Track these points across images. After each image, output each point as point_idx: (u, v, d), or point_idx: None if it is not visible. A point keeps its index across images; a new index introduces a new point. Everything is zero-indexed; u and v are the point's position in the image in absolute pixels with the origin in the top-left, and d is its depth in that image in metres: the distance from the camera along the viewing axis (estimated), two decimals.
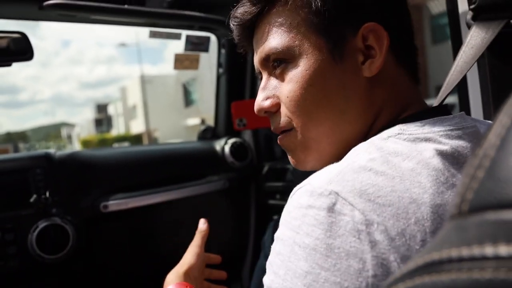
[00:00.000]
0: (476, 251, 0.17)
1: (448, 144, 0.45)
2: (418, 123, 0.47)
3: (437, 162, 0.42)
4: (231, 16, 0.57)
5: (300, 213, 0.42)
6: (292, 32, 0.51)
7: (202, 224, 0.90)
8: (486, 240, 0.17)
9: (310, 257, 0.39)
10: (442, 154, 0.43)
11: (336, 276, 0.38)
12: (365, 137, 0.52)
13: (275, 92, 0.55)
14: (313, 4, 0.50)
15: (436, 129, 0.46)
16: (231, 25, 0.58)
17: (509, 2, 0.62)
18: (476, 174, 0.19)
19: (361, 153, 0.45)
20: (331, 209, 0.40)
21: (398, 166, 0.42)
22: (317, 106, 0.51)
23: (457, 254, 0.18)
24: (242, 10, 0.55)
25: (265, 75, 0.57)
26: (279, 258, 0.42)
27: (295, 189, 0.46)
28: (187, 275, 0.78)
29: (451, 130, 0.46)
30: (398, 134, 0.46)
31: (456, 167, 0.43)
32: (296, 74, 0.52)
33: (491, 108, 0.74)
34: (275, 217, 1.46)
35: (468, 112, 0.84)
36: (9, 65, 1.10)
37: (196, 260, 0.83)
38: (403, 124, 0.48)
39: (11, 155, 1.27)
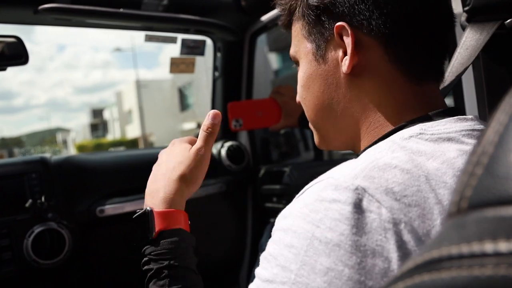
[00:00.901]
0: (476, 248, 0.17)
1: (471, 144, 0.44)
2: (439, 122, 0.47)
3: (461, 162, 0.42)
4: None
5: (322, 206, 0.40)
6: (295, 40, 0.59)
7: (212, 117, 0.68)
8: (486, 236, 0.17)
9: (333, 253, 0.37)
10: (466, 154, 0.43)
11: (361, 274, 0.37)
12: (365, 129, 0.54)
13: None
14: (302, 13, 0.55)
15: (457, 128, 0.46)
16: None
17: (503, 4, 0.62)
18: (475, 171, 0.19)
19: (383, 151, 0.44)
20: (357, 204, 0.38)
21: (423, 165, 0.41)
22: (310, 102, 0.58)
23: (457, 252, 0.18)
24: (280, 20, 0.63)
25: None
26: (291, 251, 0.40)
27: (312, 182, 0.44)
28: (182, 181, 0.64)
29: (472, 130, 0.46)
30: (420, 134, 0.45)
31: None
32: (299, 76, 0.60)
33: (486, 109, 0.75)
34: (272, 220, 1.46)
35: (463, 114, 0.84)
36: (4, 69, 1.09)
37: (194, 160, 0.66)
38: (423, 124, 0.47)
39: (6, 160, 1.27)
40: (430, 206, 0.39)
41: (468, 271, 0.17)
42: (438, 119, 0.48)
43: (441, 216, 0.38)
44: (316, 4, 0.53)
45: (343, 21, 0.51)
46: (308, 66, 0.56)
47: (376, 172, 0.40)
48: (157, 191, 0.65)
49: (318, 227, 0.39)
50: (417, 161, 0.42)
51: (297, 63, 0.61)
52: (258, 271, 0.44)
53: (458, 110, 0.53)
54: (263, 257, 0.44)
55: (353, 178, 0.40)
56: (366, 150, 0.48)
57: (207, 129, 0.67)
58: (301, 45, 0.58)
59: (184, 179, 0.65)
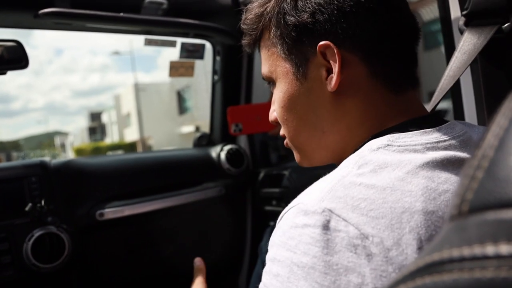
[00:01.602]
0: (477, 250, 0.17)
1: (436, 154, 0.45)
2: (406, 134, 0.48)
3: (426, 170, 0.43)
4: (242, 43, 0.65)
5: (296, 233, 0.42)
6: (269, 60, 0.58)
7: (198, 262, 0.85)
8: (487, 239, 0.17)
9: (309, 276, 0.39)
10: (430, 162, 0.44)
11: None
12: (345, 146, 0.55)
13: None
14: (278, 33, 0.54)
15: (423, 141, 0.47)
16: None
17: (501, 8, 0.63)
18: (476, 174, 0.19)
19: (350, 166, 0.46)
20: (326, 226, 0.40)
21: (387, 177, 0.43)
22: (292, 121, 0.58)
23: (458, 254, 0.18)
24: (244, 41, 0.62)
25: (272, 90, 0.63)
26: (278, 279, 0.42)
27: (286, 208, 0.46)
28: None
29: (437, 142, 0.47)
30: (388, 145, 0.47)
31: (446, 174, 0.44)
32: (276, 96, 0.59)
33: (485, 112, 0.75)
34: (272, 223, 1.46)
35: (462, 117, 0.84)
36: (4, 73, 1.09)
37: None
38: (391, 135, 0.49)
39: (6, 163, 1.27)
40: (397, 215, 0.40)
41: (469, 273, 0.17)
42: (407, 130, 0.49)
43: (409, 223, 0.39)
44: (295, 23, 0.52)
45: (325, 39, 0.51)
46: (289, 86, 0.56)
47: (342, 191, 0.42)
48: None
49: (295, 253, 0.41)
50: (381, 174, 0.43)
51: (271, 83, 0.60)
52: None
53: (433, 117, 0.54)
54: (260, 286, 0.46)
55: (320, 201, 0.42)
56: (337, 167, 0.49)
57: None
58: (277, 65, 0.57)
59: None
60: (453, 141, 0.48)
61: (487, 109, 0.74)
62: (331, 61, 0.51)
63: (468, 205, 0.19)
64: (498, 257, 0.17)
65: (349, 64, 0.51)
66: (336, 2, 0.50)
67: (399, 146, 0.46)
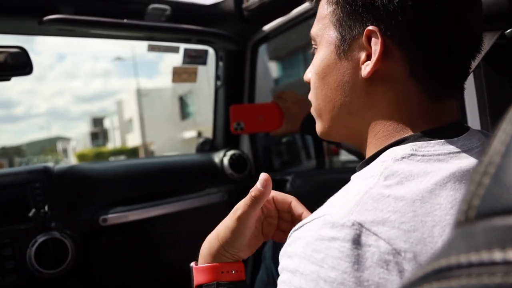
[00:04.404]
0: (485, 256, 0.17)
1: (460, 164, 0.45)
2: (428, 143, 0.47)
3: (452, 181, 0.42)
4: None
5: (322, 246, 0.40)
6: (320, 22, 0.56)
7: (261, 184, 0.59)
8: (494, 245, 0.17)
9: None
10: (456, 173, 0.43)
11: None
12: (369, 133, 0.53)
13: None
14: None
15: (446, 150, 0.46)
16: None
17: (504, 14, 0.63)
18: (482, 180, 0.19)
19: (375, 176, 0.44)
20: (356, 240, 0.39)
21: (416, 189, 0.41)
22: (322, 92, 0.56)
23: (466, 260, 0.18)
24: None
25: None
26: None
27: (308, 218, 0.44)
28: (222, 243, 0.61)
29: (459, 152, 0.46)
30: (411, 155, 0.45)
31: None
32: (314, 62, 0.57)
33: (488, 119, 0.75)
34: None
35: (465, 123, 0.84)
36: (8, 79, 1.10)
37: (235, 224, 0.59)
38: (414, 143, 0.47)
39: (10, 169, 1.27)
40: (429, 229, 0.39)
41: (477, 279, 0.17)
42: (428, 139, 0.48)
43: (442, 237, 0.39)
44: None
45: (376, 25, 0.48)
46: (328, 56, 0.54)
47: (371, 204, 0.41)
48: (203, 249, 0.64)
49: (322, 267, 0.39)
50: (409, 186, 0.42)
51: (315, 44, 0.58)
52: None
53: (456, 126, 0.52)
54: None
55: (348, 214, 0.40)
56: (358, 176, 0.47)
57: (253, 196, 0.58)
58: (325, 30, 0.54)
59: (224, 241, 0.60)
60: (472, 151, 0.47)
61: (490, 115, 0.74)
62: (373, 48, 0.49)
63: (475, 211, 0.19)
64: (506, 263, 0.17)
65: (391, 57, 0.49)
66: None
67: (423, 155, 0.45)
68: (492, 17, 0.64)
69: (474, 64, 0.54)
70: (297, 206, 0.63)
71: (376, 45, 0.49)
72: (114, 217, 1.22)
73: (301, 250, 0.42)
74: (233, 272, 0.60)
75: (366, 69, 0.50)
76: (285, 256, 0.44)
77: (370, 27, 0.49)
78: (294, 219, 0.63)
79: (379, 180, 0.43)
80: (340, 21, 0.52)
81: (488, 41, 0.64)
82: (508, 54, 0.69)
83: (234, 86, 1.62)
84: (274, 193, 0.63)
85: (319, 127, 0.60)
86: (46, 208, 1.13)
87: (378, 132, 0.52)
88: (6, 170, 1.21)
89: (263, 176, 0.58)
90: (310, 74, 0.60)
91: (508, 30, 0.64)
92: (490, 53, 0.64)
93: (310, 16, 1.31)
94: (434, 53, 0.49)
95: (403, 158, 0.45)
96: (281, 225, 0.66)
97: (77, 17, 1.13)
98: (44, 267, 1.08)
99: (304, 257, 0.41)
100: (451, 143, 0.47)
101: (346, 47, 0.52)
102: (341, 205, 0.42)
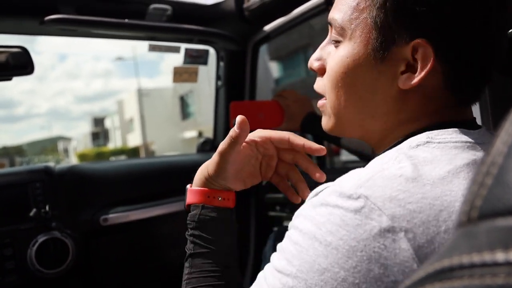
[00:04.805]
0: (487, 257, 0.17)
1: (476, 155, 0.44)
2: (445, 131, 0.47)
3: (466, 171, 0.42)
4: None
5: (326, 211, 0.42)
6: (355, 13, 0.51)
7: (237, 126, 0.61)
8: (497, 246, 0.17)
9: (331, 255, 0.40)
10: (471, 164, 0.43)
11: (355, 277, 0.38)
12: (388, 134, 0.53)
13: (327, 57, 0.56)
14: None
15: (463, 139, 0.46)
16: None
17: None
18: (485, 181, 0.19)
19: (390, 161, 0.44)
20: (358, 211, 0.40)
21: (429, 174, 0.41)
22: (345, 92, 0.53)
23: (468, 261, 0.18)
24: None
25: (328, 35, 0.58)
26: (296, 247, 0.43)
27: (321, 187, 0.46)
28: (208, 174, 0.65)
29: (476, 143, 0.46)
30: (427, 142, 0.46)
31: None
32: (339, 57, 0.52)
33: (490, 119, 0.75)
34: (276, 228, 1.46)
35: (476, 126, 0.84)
36: (10, 79, 1.10)
37: (217, 158, 0.62)
38: (430, 132, 0.47)
39: (11, 169, 1.27)
40: (435, 213, 0.39)
41: (479, 280, 0.17)
42: (447, 128, 0.48)
43: (446, 223, 0.39)
44: (412, 5, 0.46)
45: (426, 38, 0.47)
46: (362, 57, 0.50)
47: (381, 181, 0.41)
48: (197, 175, 0.70)
49: (320, 229, 0.41)
50: (423, 170, 0.42)
51: (340, 34, 0.53)
52: (272, 257, 0.47)
53: (469, 122, 0.53)
54: (279, 246, 0.47)
55: (357, 187, 0.41)
56: (373, 160, 0.47)
57: (231, 136, 0.60)
58: (361, 26, 0.50)
59: (210, 172, 0.65)
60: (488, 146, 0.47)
61: (492, 116, 0.74)
62: (419, 61, 0.48)
63: (477, 212, 0.19)
64: (508, 263, 0.17)
65: (431, 72, 0.48)
66: (456, 15, 0.46)
67: (439, 142, 0.45)
68: None
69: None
70: (296, 139, 0.63)
71: (425, 60, 0.47)
72: (115, 217, 1.23)
73: (306, 211, 0.44)
74: (219, 199, 0.64)
75: (407, 81, 0.49)
76: (294, 215, 0.47)
77: (421, 40, 0.47)
78: (296, 156, 0.65)
79: (394, 164, 0.43)
80: (383, 23, 0.48)
81: None
82: (511, 54, 0.69)
83: (235, 86, 1.62)
84: (270, 133, 0.64)
85: (329, 123, 0.58)
86: (47, 208, 1.13)
87: (399, 134, 0.52)
88: (7, 170, 1.22)
89: (239, 118, 0.60)
90: (317, 63, 0.58)
91: (510, 31, 0.64)
92: None
93: (310, 16, 1.31)
94: (472, 67, 0.49)
95: (418, 145, 0.46)
96: (279, 168, 0.68)
97: (78, 17, 1.13)
98: (44, 267, 1.08)
99: (307, 217, 0.44)
100: (468, 134, 0.47)
101: (386, 52, 0.49)
102: (352, 179, 0.43)
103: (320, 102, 0.60)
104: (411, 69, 0.49)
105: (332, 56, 0.55)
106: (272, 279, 0.44)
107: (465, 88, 0.50)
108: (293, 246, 0.43)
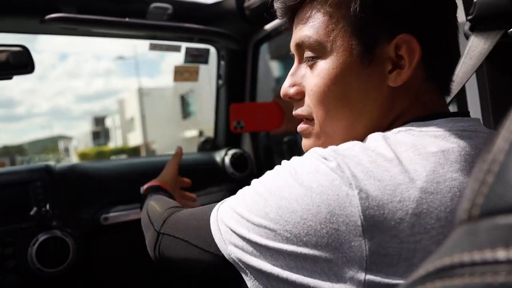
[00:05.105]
0: (488, 255, 0.17)
1: (456, 143, 0.45)
2: (430, 122, 0.48)
3: (439, 157, 0.43)
4: None
5: (308, 160, 0.46)
6: (329, 25, 0.51)
7: (178, 149, 1.20)
8: (498, 244, 0.17)
9: (294, 188, 0.44)
10: (447, 151, 0.44)
11: (304, 212, 0.43)
12: None
13: (302, 81, 0.57)
14: (352, 5, 0.49)
15: (447, 127, 0.47)
16: (274, 4, 0.59)
17: (507, 12, 0.63)
18: (486, 179, 0.19)
19: (369, 140, 0.47)
20: (327, 165, 0.43)
21: (399, 153, 0.43)
22: (336, 105, 0.53)
23: (469, 259, 0.18)
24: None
25: (296, 60, 0.58)
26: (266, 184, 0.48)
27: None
28: (162, 181, 1.06)
29: (462, 131, 0.47)
30: (409, 129, 0.48)
31: (461, 164, 0.44)
32: (323, 70, 0.52)
33: (491, 118, 0.75)
34: None
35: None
36: (10, 78, 1.10)
37: (168, 174, 1.10)
38: (416, 123, 0.49)
39: (11, 168, 1.27)
40: (394, 184, 0.41)
41: (481, 278, 0.17)
42: (434, 119, 0.49)
43: (402, 195, 0.40)
44: (386, 5, 0.48)
45: (410, 32, 0.48)
46: (347, 65, 0.51)
47: (355, 151, 0.44)
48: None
49: (291, 173, 0.46)
50: (395, 150, 0.44)
51: (316, 52, 0.53)
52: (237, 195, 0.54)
53: (461, 113, 0.54)
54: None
55: (332, 151, 0.45)
56: None
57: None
58: (339, 37, 0.51)
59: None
60: (478, 134, 0.48)
61: (493, 114, 0.74)
62: (405, 57, 0.49)
63: (478, 210, 0.19)
64: (509, 262, 0.16)
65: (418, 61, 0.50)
66: (430, 5, 0.49)
67: (420, 131, 0.47)
68: (495, 16, 0.64)
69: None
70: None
71: (412, 54, 0.49)
72: (115, 216, 1.23)
73: (283, 162, 0.50)
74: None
75: (397, 78, 0.50)
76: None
77: (403, 35, 0.48)
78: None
79: (371, 141, 0.46)
80: (363, 28, 0.49)
81: (491, 40, 0.64)
82: (511, 53, 0.69)
83: (236, 85, 1.62)
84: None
85: (317, 144, 0.58)
86: (48, 207, 1.13)
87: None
88: (7, 168, 1.21)
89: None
90: (293, 89, 0.58)
91: (511, 30, 0.64)
92: (493, 53, 0.64)
93: None
94: (447, 56, 0.52)
95: (399, 131, 0.48)
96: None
97: (79, 15, 1.13)
98: (45, 266, 1.08)
99: (282, 165, 0.49)
100: (457, 121, 0.49)
101: (371, 56, 0.50)
102: (332, 147, 0.47)
103: (302, 126, 0.59)
104: (397, 66, 0.50)
105: (311, 75, 0.55)
106: (245, 191, 0.51)
107: (443, 77, 0.53)
108: (273, 174, 0.49)
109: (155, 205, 0.84)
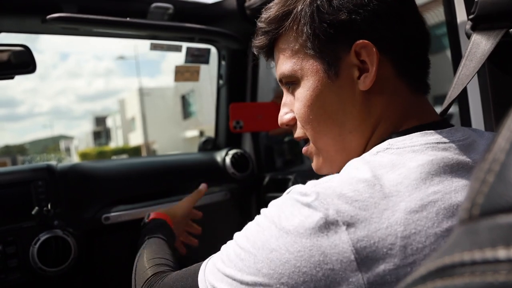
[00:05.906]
0: (489, 254, 0.17)
1: (434, 155, 0.47)
2: (406, 137, 0.50)
3: (420, 171, 0.44)
4: (253, 45, 0.66)
5: (289, 203, 0.47)
6: (293, 57, 0.58)
7: (203, 187, 1.20)
8: (498, 243, 0.17)
9: (282, 238, 0.44)
10: (426, 164, 0.45)
11: (297, 261, 0.42)
12: (365, 147, 0.57)
13: (292, 107, 0.62)
14: (305, 31, 0.55)
15: (423, 141, 0.49)
16: (254, 51, 0.67)
17: (508, 12, 0.63)
18: (486, 178, 0.19)
19: (348, 168, 0.48)
20: (309, 205, 0.44)
21: (381, 176, 0.44)
22: (319, 121, 0.57)
23: (469, 258, 0.18)
24: (258, 41, 0.63)
25: (285, 92, 0.64)
26: (257, 228, 0.48)
27: (294, 186, 0.51)
28: (169, 215, 1.05)
29: (437, 143, 0.49)
30: (387, 149, 0.49)
31: (441, 177, 0.45)
32: (300, 94, 0.58)
33: (492, 117, 0.75)
34: None
35: (468, 122, 0.84)
36: (12, 78, 1.10)
37: (180, 208, 1.10)
38: (392, 139, 0.51)
39: (13, 167, 1.27)
40: (379, 211, 0.42)
41: (481, 277, 0.17)
42: (410, 133, 0.51)
43: (389, 220, 0.41)
44: (332, 21, 0.53)
45: (362, 37, 0.52)
46: (318, 84, 0.56)
47: (336, 182, 0.45)
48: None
49: (279, 216, 0.46)
50: (376, 173, 0.45)
51: (289, 84, 0.60)
52: (236, 234, 0.54)
53: (440, 123, 0.56)
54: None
55: (313, 186, 0.46)
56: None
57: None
58: (305, 63, 0.57)
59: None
60: (453, 144, 0.49)
61: (495, 114, 0.74)
62: (366, 60, 0.53)
63: (478, 209, 0.19)
64: (510, 261, 0.17)
65: (380, 63, 0.53)
66: (372, 5, 0.52)
67: (397, 148, 0.49)
68: (496, 16, 0.64)
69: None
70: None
71: (370, 56, 0.53)
72: (117, 215, 1.23)
73: (276, 201, 0.50)
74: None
75: (365, 81, 0.53)
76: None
77: (359, 41, 0.52)
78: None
79: (352, 169, 0.47)
80: (322, 48, 0.55)
81: (493, 40, 0.64)
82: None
83: (236, 85, 1.62)
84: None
85: (319, 162, 0.62)
86: (49, 206, 1.13)
87: (373, 140, 0.56)
88: (9, 168, 1.22)
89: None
90: (288, 115, 0.63)
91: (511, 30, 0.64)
92: (495, 52, 0.63)
93: None
94: (410, 51, 0.55)
95: (378, 152, 0.49)
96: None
97: (80, 15, 1.13)
98: (47, 265, 1.09)
99: (274, 205, 0.49)
100: (431, 134, 0.50)
101: (336, 68, 0.55)
102: (314, 181, 0.48)
103: (304, 149, 0.65)
104: (364, 70, 0.54)
105: (294, 101, 0.60)
106: (229, 249, 0.51)
107: (413, 72, 0.56)
108: (255, 227, 0.49)
109: (145, 255, 0.84)
